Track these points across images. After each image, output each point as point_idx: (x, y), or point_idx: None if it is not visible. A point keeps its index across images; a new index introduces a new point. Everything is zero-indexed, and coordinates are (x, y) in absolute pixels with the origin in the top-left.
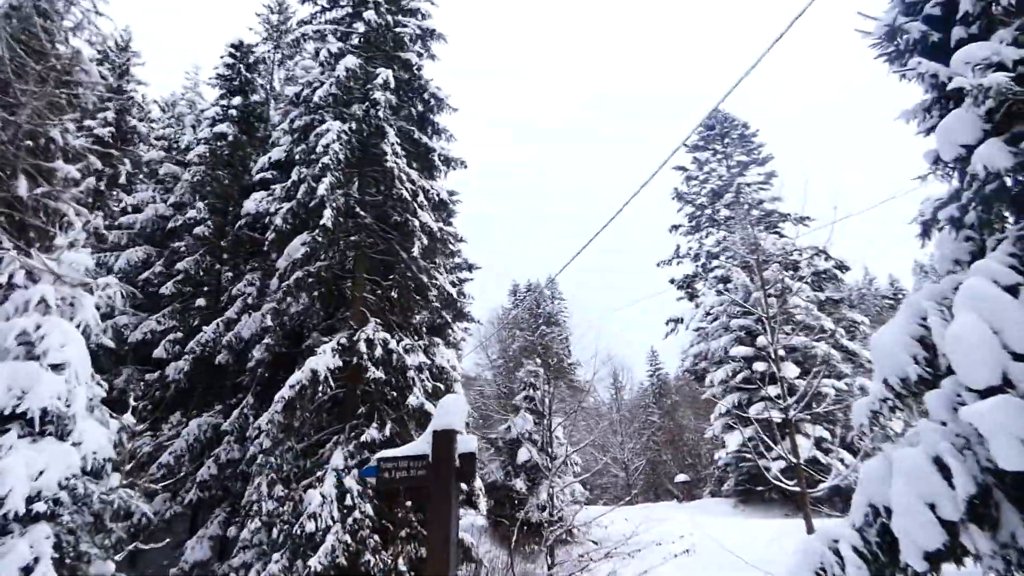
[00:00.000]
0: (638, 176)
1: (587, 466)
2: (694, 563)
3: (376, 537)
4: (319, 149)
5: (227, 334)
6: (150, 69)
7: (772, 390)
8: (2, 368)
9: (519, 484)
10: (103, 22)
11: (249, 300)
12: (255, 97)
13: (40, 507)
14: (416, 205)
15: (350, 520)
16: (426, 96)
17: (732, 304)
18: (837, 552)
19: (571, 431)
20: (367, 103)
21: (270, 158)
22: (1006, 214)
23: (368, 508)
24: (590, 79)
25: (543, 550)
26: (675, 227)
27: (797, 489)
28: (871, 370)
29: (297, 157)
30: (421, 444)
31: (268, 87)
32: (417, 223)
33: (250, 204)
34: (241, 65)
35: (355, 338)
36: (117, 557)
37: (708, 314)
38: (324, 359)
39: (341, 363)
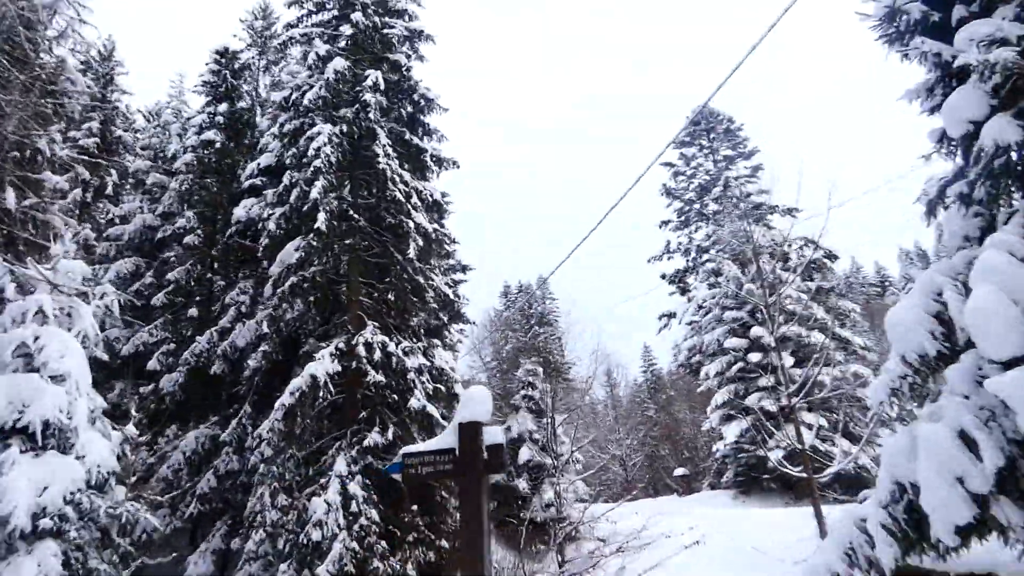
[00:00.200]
0: (629, 175)
1: (588, 464)
2: (703, 553)
3: (383, 543)
4: (311, 152)
5: (221, 343)
6: (134, 78)
7: (768, 380)
8: (1, 381)
9: (521, 484)
10: (87, 30)
11: (242, 308)
12: (242, 104)
13: (46, 523)
14: (410, 207)
15: (356, 527)
16: (416, 97)
17: (725, 296)
18: (865, 531)
19: (569, 430)
20: (357, 105)
21: (259, 164)
22: (1013, 189)
23: (374, 514)
24: (581, 79)
25: (551, 549)
26: (664, 223)
27: (803, 475)
28: (864, 357)
29: (288, 162)
30: (447, 438)
31: (254, 93)
32: (412, 224)
33: (240, 211)
34: (227, 71)
35: (353, 342)
36: (125, 573)
37: (700, 307)
38: (323, 364)
39: (340, 368)
